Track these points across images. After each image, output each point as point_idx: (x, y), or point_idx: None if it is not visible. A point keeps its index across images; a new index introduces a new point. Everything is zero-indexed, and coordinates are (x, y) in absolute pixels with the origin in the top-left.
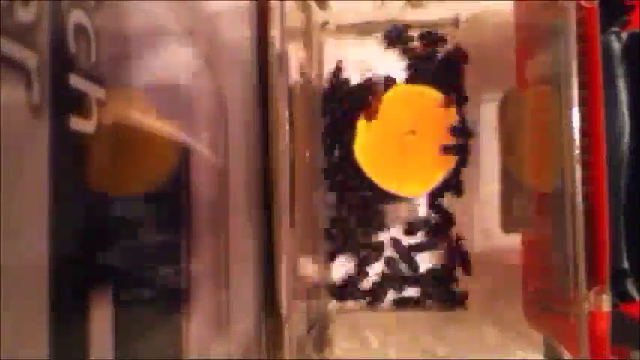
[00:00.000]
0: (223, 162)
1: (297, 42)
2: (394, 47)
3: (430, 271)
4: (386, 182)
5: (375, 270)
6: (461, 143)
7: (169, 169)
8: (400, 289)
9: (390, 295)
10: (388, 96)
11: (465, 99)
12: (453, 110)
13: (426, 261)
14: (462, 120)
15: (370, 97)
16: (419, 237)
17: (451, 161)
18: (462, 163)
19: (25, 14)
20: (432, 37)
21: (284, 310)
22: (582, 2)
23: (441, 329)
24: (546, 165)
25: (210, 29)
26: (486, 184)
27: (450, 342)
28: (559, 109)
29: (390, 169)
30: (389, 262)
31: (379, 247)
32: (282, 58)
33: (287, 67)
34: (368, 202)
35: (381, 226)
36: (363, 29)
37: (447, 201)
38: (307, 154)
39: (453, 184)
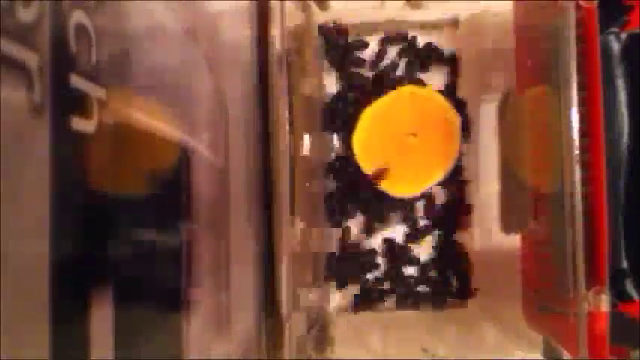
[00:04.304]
0: (223, 162)
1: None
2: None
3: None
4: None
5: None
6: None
7: (170, 169)
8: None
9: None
10: (392, 96)
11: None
12: (456, 116)
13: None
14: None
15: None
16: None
17: (447, 166)
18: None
19: (26, 14)
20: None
21: (284, 310)
22: (581, 2)
23: (441, 329)
24: (546, 165)
25: (211, 29)
26: (486, 184)
27: (450, 342)
28: (558, 109)
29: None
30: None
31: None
32: (282, 58)
33: (287, 67)
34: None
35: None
36: (363, 29)
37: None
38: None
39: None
